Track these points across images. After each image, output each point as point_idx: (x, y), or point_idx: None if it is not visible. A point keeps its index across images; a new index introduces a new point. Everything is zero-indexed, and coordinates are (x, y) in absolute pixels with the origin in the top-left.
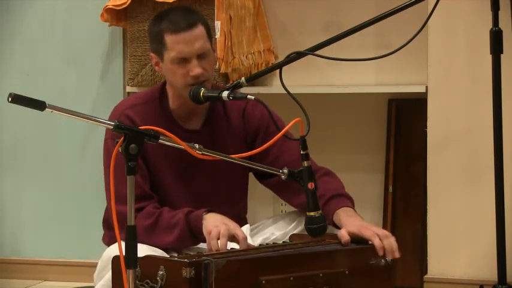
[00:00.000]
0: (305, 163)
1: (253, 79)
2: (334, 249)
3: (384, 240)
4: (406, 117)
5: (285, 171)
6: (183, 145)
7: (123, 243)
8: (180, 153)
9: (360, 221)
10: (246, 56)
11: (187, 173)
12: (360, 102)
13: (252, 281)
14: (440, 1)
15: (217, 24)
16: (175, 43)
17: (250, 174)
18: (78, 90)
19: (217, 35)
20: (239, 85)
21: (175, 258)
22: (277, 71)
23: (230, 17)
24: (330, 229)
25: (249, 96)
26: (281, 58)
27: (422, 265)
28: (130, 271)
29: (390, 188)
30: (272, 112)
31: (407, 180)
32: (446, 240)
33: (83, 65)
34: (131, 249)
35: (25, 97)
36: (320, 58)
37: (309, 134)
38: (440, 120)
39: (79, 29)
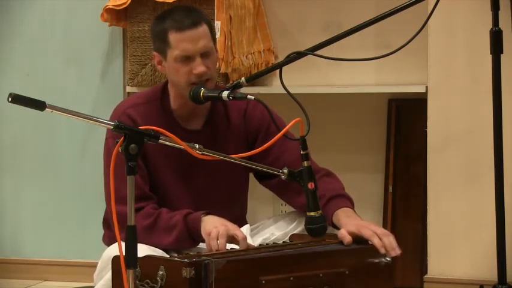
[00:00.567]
0: (305, 163)
1: (253, 79)
2: (334, 249)
3: (384, 239)
4: (406, 117)
5: (285, 171)
6: (183, 145)
7: (123, 243)
8: (180, 154)
9: (359, 221)
10: (246, 56)
11: (187, 173)
12: (360, 102)
13: (252, 281)
14: (440, 1)
15: (217, 24)
16: (180, 41)
17: (251, 175)
18: (78, 90)
19: (217, 35)
20: (239, 85)
21: (175, 258)
22: (277, 71)
23: (230, 17)
24: (330, 229)
25: (249, 96)
26: (281, 58)
27: (422, 265)
28: (130, 271)
29: (390, 188)
30: (272, 112)
31: (407, 180)
32: (446, 240)
33: (83, 65)
34: (131, 249)
35: (25, 97)
36: (320, 58)
37: (309, 134)
38: (440, 120)
39: (79, 29)
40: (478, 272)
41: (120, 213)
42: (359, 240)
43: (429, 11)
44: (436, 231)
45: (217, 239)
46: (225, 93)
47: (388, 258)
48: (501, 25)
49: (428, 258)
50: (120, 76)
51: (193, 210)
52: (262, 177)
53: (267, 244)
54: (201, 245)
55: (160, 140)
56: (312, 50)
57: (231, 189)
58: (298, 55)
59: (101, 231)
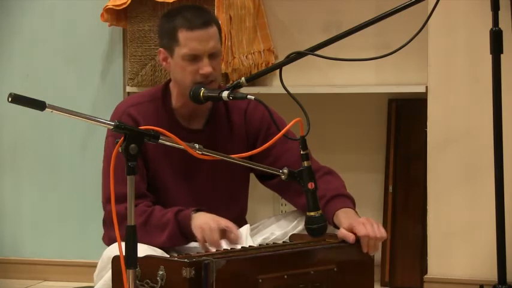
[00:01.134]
0: (305, 163)
1: (253, 79)
2: (323, 247)
3: (371, 242)
4: (406, 117)
5: (285, 171)
6: (183, 145)
7: (123, 244)
8: (181, 153)
9: (356, 218)
10: (246, 56)
11: (188, 173)
12: (360, 102)
13: (250, 280)
14: (440, 1)
15: None
16: (189, 40)
17: (252, 175)
18: (78, 90)
19: None
20: (239, 85)
21: (175, 258)
22: (277, 71)
23: (230, 17)
24: (330, 229)
25: (249, 96)
26: (281, 58)
27: (422, 265)
28: (131, 271)
29: (390, 188)
30: (273, 112)
31: (407, 180)
32: (446, 240)
33: (83, 65)
34: (131, 249)
35: (25, 97)
36: (320, 58)
37: (309, 134)
38: (440, 120)
39: (79, 29)
40: (478, 272)
41: (111, 213)
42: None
43: (429, 11)
44: (436, 231)
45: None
46: (225, 93)
47: (371, 255)
48: (501, 25)
49: (428, 258)
50: (120, 76)
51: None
52: (263, 178)
53: (267, 244)
54: (195, 244)
55: (160, 140)
56: (312, 50)
57: (231, 189)
58: (298, 55)
59: (101, 231)
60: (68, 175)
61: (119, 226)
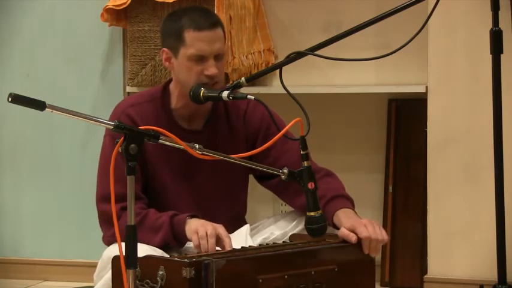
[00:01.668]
0: (305, 163)
1: (253, 79)
2: (324, 247)
3: (372, 243)
4: (406, 117)
5: (285, 171)
6: (182, 145)
7: (123, 244)
8: (181, 154)
9: (356, 219)
10: (246, 56)
11: (187, 173)
12: (360, 102)
13: (250, 280)
14: (440, 1)
15: None
16: (196, 40)
17: (251, 176)
18: (78, 90)
19: None
20: (239, 85)
21: (175, 258)
22: (277, 71)
23: (230, 17)
24: (330, 229)
25: (249, 96)
26: (281, 58)
27: (422, 265)
28: (131, 271)
29: (390, 188)
30: (273, 113)
31: (407, 180)
32: (446, 240)
33: (83, 65)
34: (131, 249)
35: (25, 97)
36: (320, 58)
37: (309, 134)
38: (440, 120)
39: (79, 29)
40: (478, 272)
41: (103, 212)
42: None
43: (429, 11)
44: (436, 231)
45: (206, 239)
46: (225, 93)
47: (371, 256)
48: (501, 25)
49: (428, 258)
50: (120, 76)
51: (188, 210)
52: (263, 178)
53: (267, 244)
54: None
55: (160, 140)
56: (312, 50)
57: (231, 189)
58: (298, 55)
59: (101, 231)
60: (68, 175)
61: (111, 226)
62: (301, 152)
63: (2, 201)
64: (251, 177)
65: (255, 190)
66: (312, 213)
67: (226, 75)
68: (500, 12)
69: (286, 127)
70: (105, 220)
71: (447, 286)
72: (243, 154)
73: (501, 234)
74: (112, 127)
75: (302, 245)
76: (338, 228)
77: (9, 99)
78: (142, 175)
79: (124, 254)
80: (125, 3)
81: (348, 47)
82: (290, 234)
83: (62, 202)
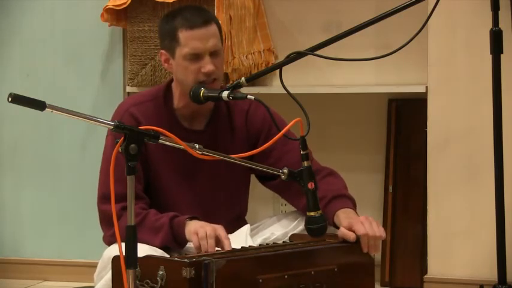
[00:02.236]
0: (305, 163)
1: (253, 79)
2: (324, 247)
3: (371, 241)
4: (406, 117)
5: (285, 171)
6: (183, 145)
7: (123, 244)
8: (182, 154)
9: (354, 217)
10: (246, 56)
11: (188, 173)
12: (360, 102)
13: (250, 280)
14: (440, 1)
15: None
16: (190, 39)
17: (252, 176)
18: (78, 90)
19: None
20: (239, 85)
21: (175, 258)
22: (277, 71)
23: (230, 17)
24: (330, 229)
25: (249, 96)
26: (281, 58)
27: (422, 265)
28: (131, 271)
29: (390, 188)
30: (274, 113)
31: (407, 180)
32: (446, 240)
33: (83, 65)
34: (131, 249)
35: (25, 97)
36: (320, 58)
37: (309, 134)
38: (440, 120)
39: (79, 29)
40: (478, 272)
41: (104, 212)
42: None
43: (429, 11)
44: (436, 231)
45: (206, 239)
46: (225, 93)
47: (371, 255)
48: (501, 25)
49: (428, 258)
50: (120, 76)
51: (189, 210)
52: (264, 178)
53: (267, 244)
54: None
55: (160, 140)
56: (312, 50)
57: (231, 189)
58: (298, 55)
59: (101, 231)
60: (68, 175)
61: (111, 226)
62: (301, 152)
63: (1, 201)
64: (252, 178)
65: (256, 190)
66: (312, 213)
67: (226, 75)
68: (500, 12)
69: (286, 127)
70: (105, 220)
71: (447, 286)
72: (244, 154)
73: (501, 234)
74: (112, 127)
75: (302, 245)
76: (339, 228)
77: (9, 99)
78: (143, 175)
79: (124, 254)
80: (124, 3)
81: (348, 47)
82: (290, 234)
83: (61, 202)
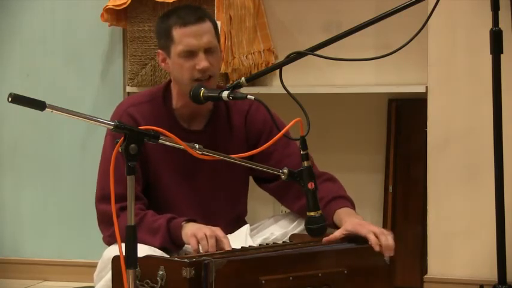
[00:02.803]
0: (305, 163)
1: (253, 79)
2: (333, 249)
3: (380, 237)
4: (406, 117)
5: (285, 171)
6: (182, 145)
7: (123, 244)
8: (181, 154)
9: (359, 220)
10: (246, 56)
11: (188, 173)
12: (360, 102)
13: (252, 281)
14: (440, 1)
15: (217, 24)
16: (183, 36)
17: (250, 178)
18: (78, 90)
19: None
20: (239, 85)
21: (175, 258)
22: (277, 71)
23: (230, 17)
24: (331, 229)
25: (249, 96)
26: (281, 58)
27: (422, 265)
28: (131, 271)
29: (390, 188)
30: (273, 114)
31: (407, 180)
32: (446, 240)
33: (83, 65)
34: (131, 249)
35: (25, 97)
36: (320, 58)
37: (309, 134)
38: (440, 120)
39: (79, 29)
40: (478, 272)
41: (102, 212)
42: (358, 240)
43: (429, 11)
44: (436, 232)
45: (206, 240)
46: (225, 93)
47: (386, 259)
48: (501, 25)
49: (428, 258)
50: (120, 76)
51: (189, 211)
52: (261, 180)
53: (267, 244)
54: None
55: (160, 140)
56: (312, 50)
57: (231, 190)
58: (298, 55)
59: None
60: (68, 175)
61: (110, 226)
62: (301, 152)
63: (1, 201)
64: (251, 179)
65: (255, 190)
66: (312, 213)
67: (226, 75)
68: (500, 12)
69: (286, 127)
70: (104, 220)
71: (447, 286)
72: (243, 154)
73: (501, 234)
74: (112, 127)
75: (302, 245)
76: (338, 228)
77: (9, 99)
78: (142, 175)
79: (124, 254)
80: (124, 3)
81: (348, 47)
82: (290, 234)
83: (61, 202)
